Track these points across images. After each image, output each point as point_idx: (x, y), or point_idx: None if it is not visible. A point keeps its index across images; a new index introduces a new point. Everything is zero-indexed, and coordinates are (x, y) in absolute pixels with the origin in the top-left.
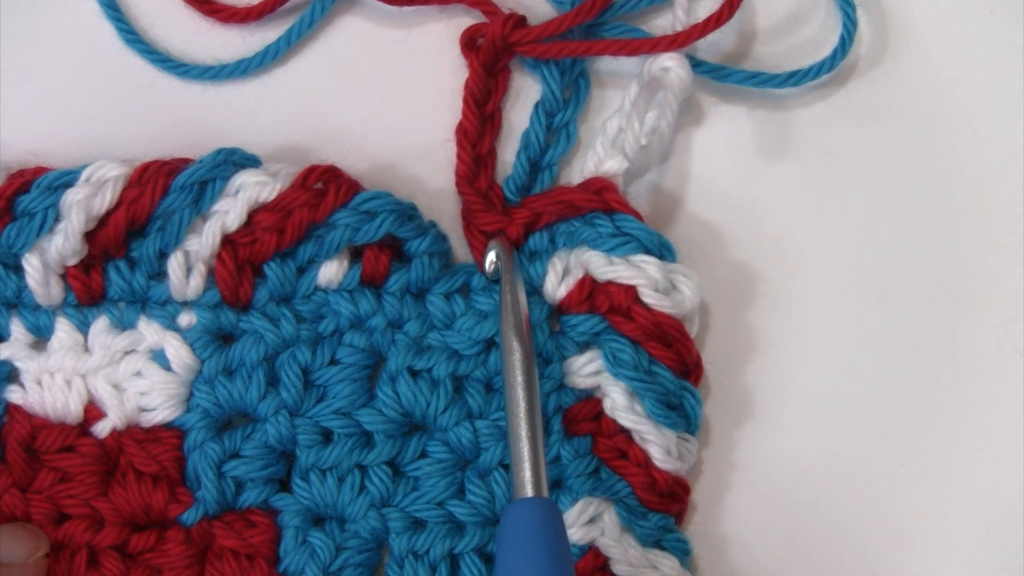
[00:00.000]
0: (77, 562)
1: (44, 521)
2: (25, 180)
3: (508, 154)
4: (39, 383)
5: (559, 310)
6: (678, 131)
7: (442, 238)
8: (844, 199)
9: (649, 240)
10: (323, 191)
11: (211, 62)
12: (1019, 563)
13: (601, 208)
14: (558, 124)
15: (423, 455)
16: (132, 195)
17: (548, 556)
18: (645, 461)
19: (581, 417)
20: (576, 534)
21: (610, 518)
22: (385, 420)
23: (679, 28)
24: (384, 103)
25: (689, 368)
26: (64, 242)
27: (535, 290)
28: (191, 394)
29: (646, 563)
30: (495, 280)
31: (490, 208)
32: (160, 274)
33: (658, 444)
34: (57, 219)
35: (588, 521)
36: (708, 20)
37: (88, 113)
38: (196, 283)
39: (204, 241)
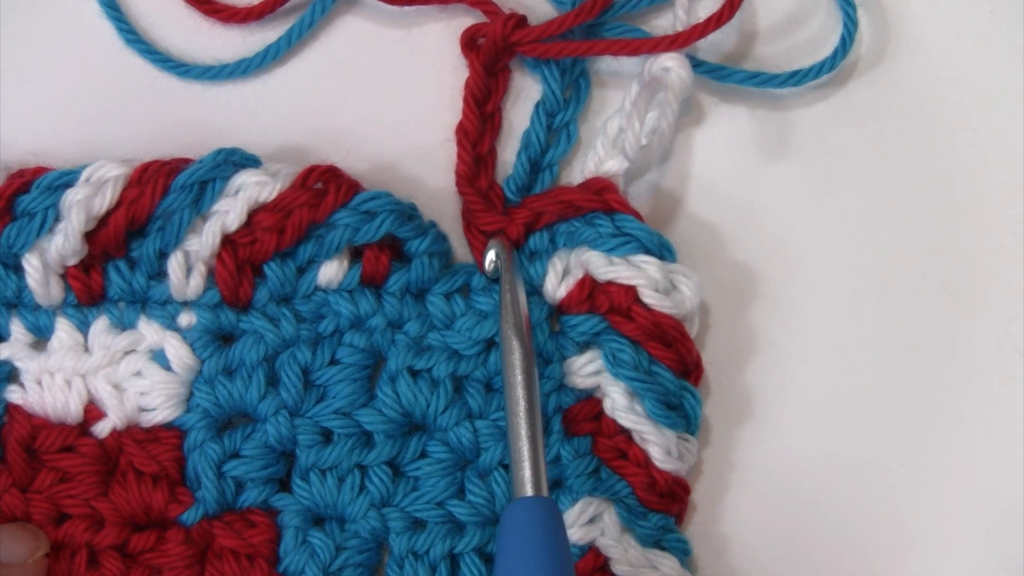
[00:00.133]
0: (77, 562)
1: (44, 521)
2: (25, 180)
3: (508, 154)
4: (39, 383)
5: (559, 310)
6: (678, 131)
7: (442, 238)
8: (844, 199)
9: (649, 240)
10: (323, 191)
11: (211, 62)
12: (1019, 563)
13: (602, 208)
14: (558, 124)
15: (423, 455)
16: (132, 195)
17: (548, 556)
18: (645, 461)
19: (581, 417)
20: (576, 534)
21: (610, 518)
22: (385, 420)
23: (679, 28)
24: (384, 103)
25: (689, 368)
26: (64, 242)
27: (535, 290)
28: (191, 394)
29: (646, 563)
30: (495, 279)
31: (490, 208)
32: (160, 274)
33: (658, 444)
34: (57, 219)
35: (588, 521)
36: (709, 20)
37: (88, 113)
38: (196, 283)
39: (204, 241)
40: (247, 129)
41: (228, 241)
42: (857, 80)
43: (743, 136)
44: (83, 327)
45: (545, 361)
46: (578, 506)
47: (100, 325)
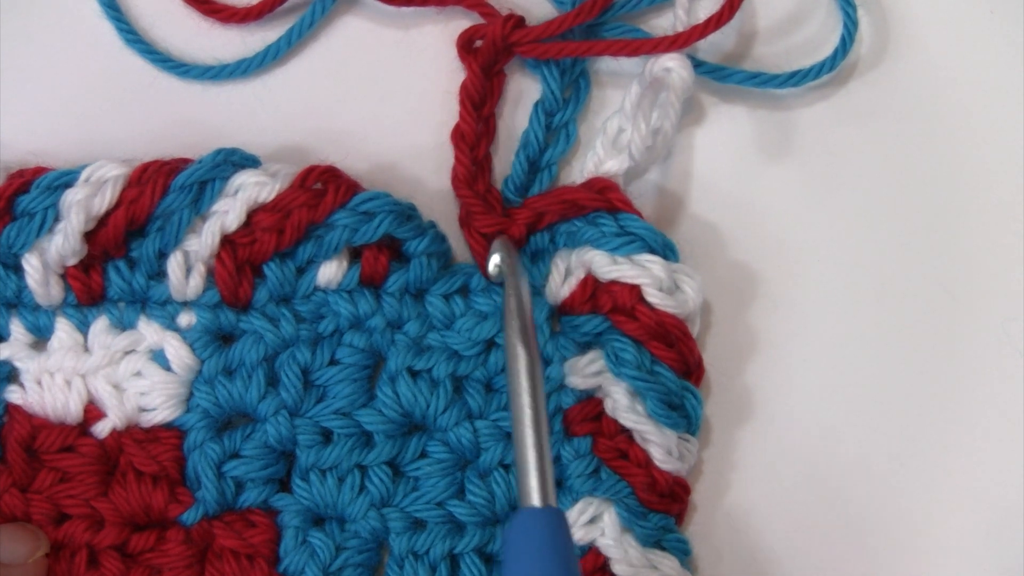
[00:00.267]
0: (77, 562)
1: (44, 521)
2: (25, 180)
3: (503, 157)
4: (39, 383)
5: (560, 310)
6: (678, 131)
7: (441, 238)
8: (844, 199)
9: (653, 240)
10: (322, 191)
11: (211, 62)
12: (1019, 563)
13: (605, 207)
14: (558, 124)
15: (423, 455)
16: (132, 195)
17: (557, 568)
18: (646, 461)
19: (581, 417)
20: (576, 534)
21: (610, 518)
22: (385, 420)
23: (680, 28)
24: (384, 103)
25: (691, 368)
26: (64, 242)
27: (535, 291)
28: (191, 394)
29: (646, 563)
30: (499, 283)
31: (489, 210)
32: (160, 274)
33: (659, 444)
34: (57, 219)
35: (588, 521)
36: (709, 20)
37: (88, 113)
38: (196, 283)
39: (204, 241)
40: (247, 129)
41: (227, 241)
42: (857, 80)
43: (743, 136)
44: (83, 327)
45: (545, 362)
46: (578, 506)
47: (100, 325)
